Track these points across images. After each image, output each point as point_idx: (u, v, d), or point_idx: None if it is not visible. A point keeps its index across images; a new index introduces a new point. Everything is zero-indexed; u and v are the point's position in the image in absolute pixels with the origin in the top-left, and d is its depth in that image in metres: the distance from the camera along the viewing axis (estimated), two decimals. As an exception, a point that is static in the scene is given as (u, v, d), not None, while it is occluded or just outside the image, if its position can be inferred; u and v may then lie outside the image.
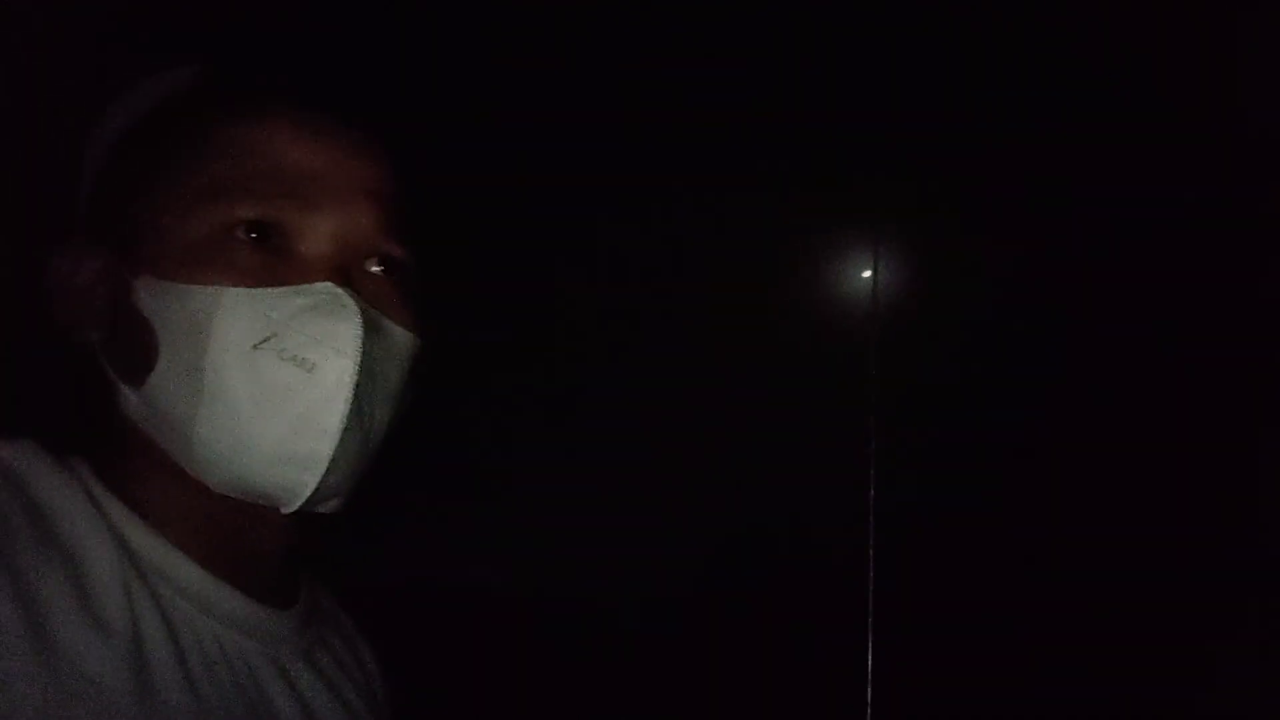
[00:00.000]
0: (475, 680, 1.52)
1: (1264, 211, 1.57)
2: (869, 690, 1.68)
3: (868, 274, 1.83)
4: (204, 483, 0.60)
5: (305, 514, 0.61)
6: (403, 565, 1.55)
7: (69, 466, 0.59)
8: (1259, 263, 1.59)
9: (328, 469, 0.58)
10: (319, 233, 0.60)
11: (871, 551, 1.72)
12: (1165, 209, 1.63)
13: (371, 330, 0.59)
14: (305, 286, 0.59)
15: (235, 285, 0.58)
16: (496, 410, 1.71)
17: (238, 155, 0.60)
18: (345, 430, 0.57)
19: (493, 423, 1.71)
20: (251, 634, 0.61)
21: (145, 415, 0.60)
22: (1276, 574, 1.54)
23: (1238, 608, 1.57)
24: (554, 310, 1.72)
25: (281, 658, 0.63)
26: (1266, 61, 1.43)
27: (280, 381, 0.57)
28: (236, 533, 0.62)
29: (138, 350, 0.60)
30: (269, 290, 0.58)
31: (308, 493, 0.58)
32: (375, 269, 0.63)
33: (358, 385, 0.57)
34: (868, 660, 1.70)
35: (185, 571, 0.59)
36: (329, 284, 0.59)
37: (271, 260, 0.59)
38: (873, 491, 1.74)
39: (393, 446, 0.63)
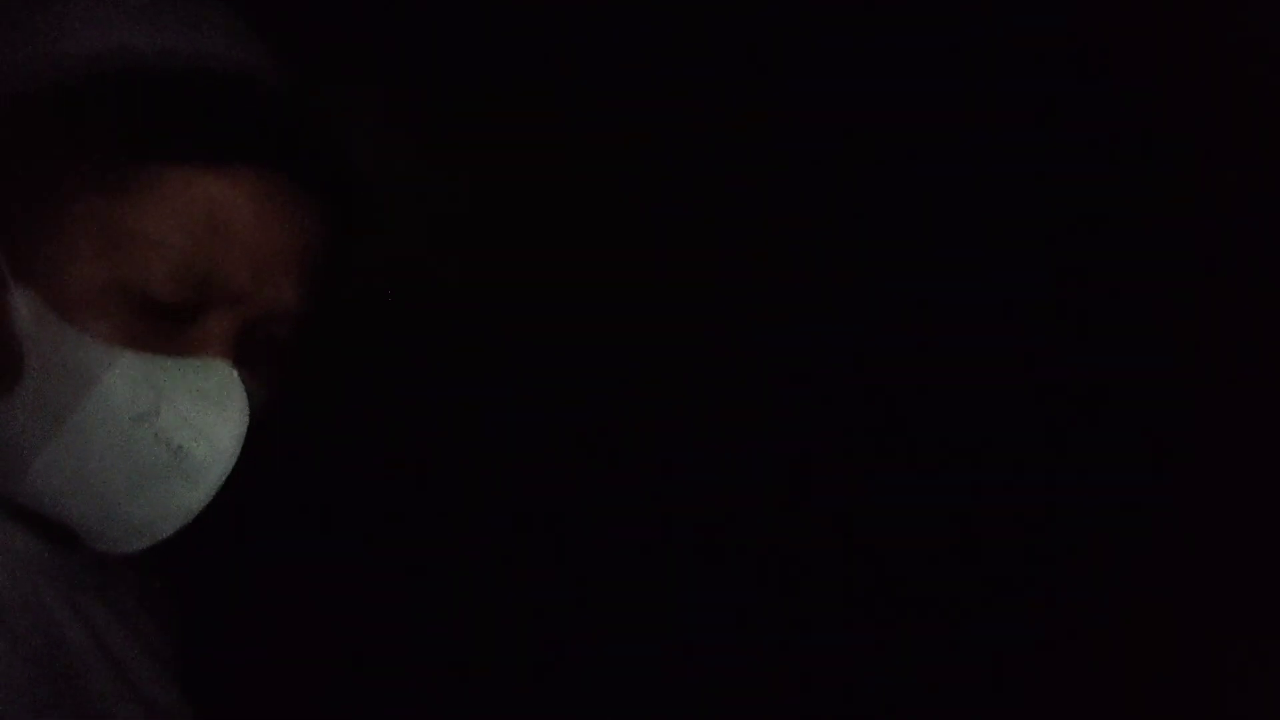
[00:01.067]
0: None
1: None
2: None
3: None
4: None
5: None
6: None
7: None
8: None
9: (163, 539, 0.56)
10: (231, 312, 0.57)
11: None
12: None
13: (252, 424, 0.57)
14: (201, 365, 0.56)
15: (131, 349, 0.54)
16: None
17: (174, 201, 0.54)
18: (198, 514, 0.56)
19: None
20: (45, 573, 0.59)
21: None
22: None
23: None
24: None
25: (75, 595, 0.61)
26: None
27: (148, 461, 0.55)
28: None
29: None
30: (163, 361, 0.55)
31: (128, 551, 0.57)
32: (272, 331, 0.59)
33: (226, 478, 0.56)
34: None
35: None
36: (224, 365, 0.56)
37: (175, 327, 0.56)
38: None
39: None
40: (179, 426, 0.55)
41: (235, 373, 0.56)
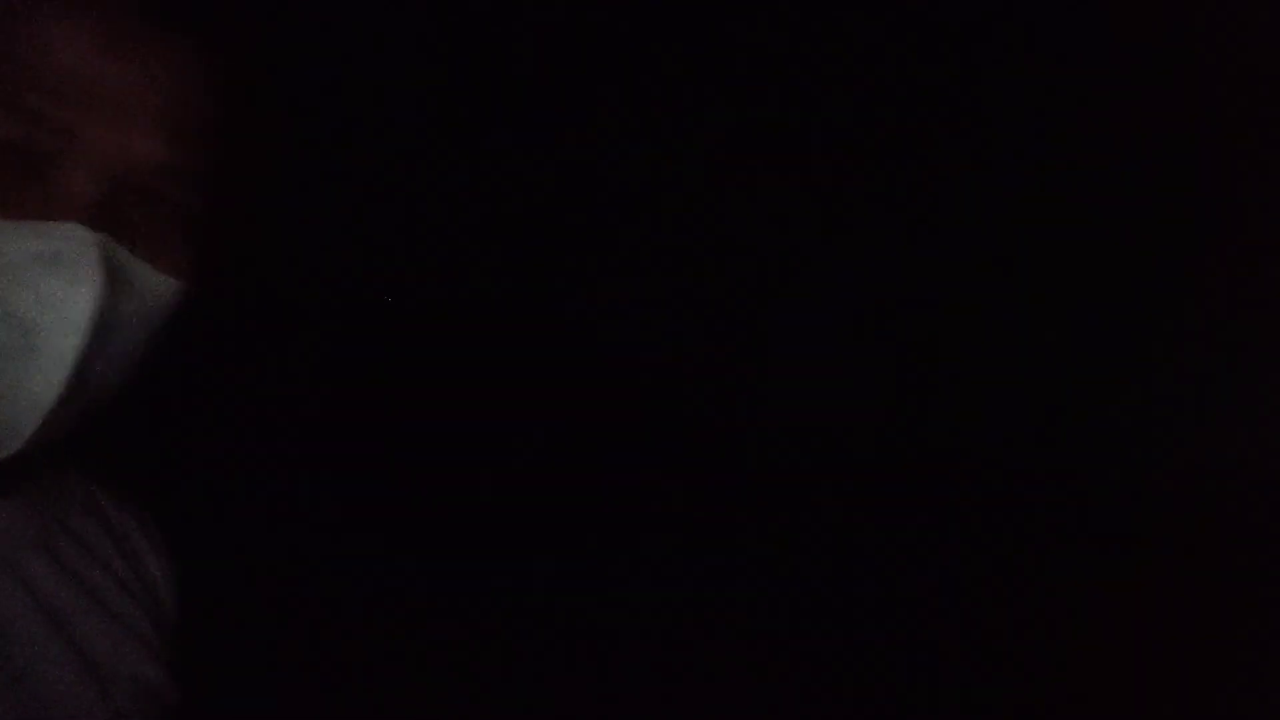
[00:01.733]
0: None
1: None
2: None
3: None
4: None
5: None
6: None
7: None
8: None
9: (30, 440, 0.50)
10: (80, 164, 0.49)
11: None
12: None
13: (121, 288, 0.50)
14: (47, 228, 0.49)
15: None
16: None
17: (17, 44, 0.49)
18: (59, 406, 0.49)
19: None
20: None
21: None
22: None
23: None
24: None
25: (9, 552, 0.55)
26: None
27: None
28: None
29: None
30: (16, 226, 0.48)
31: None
32: (157, 195, 0.52)
33: (83, 360, 0.49)
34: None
35: None
36: (75, 227, 0.49)
37: (20, 180, 0.49)
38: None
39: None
40: (24, 299, 0.48)
41: (94, 235, 0.49)
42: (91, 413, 0.53)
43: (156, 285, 0.52)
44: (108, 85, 0.50)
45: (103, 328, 0.49)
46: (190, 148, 0.52)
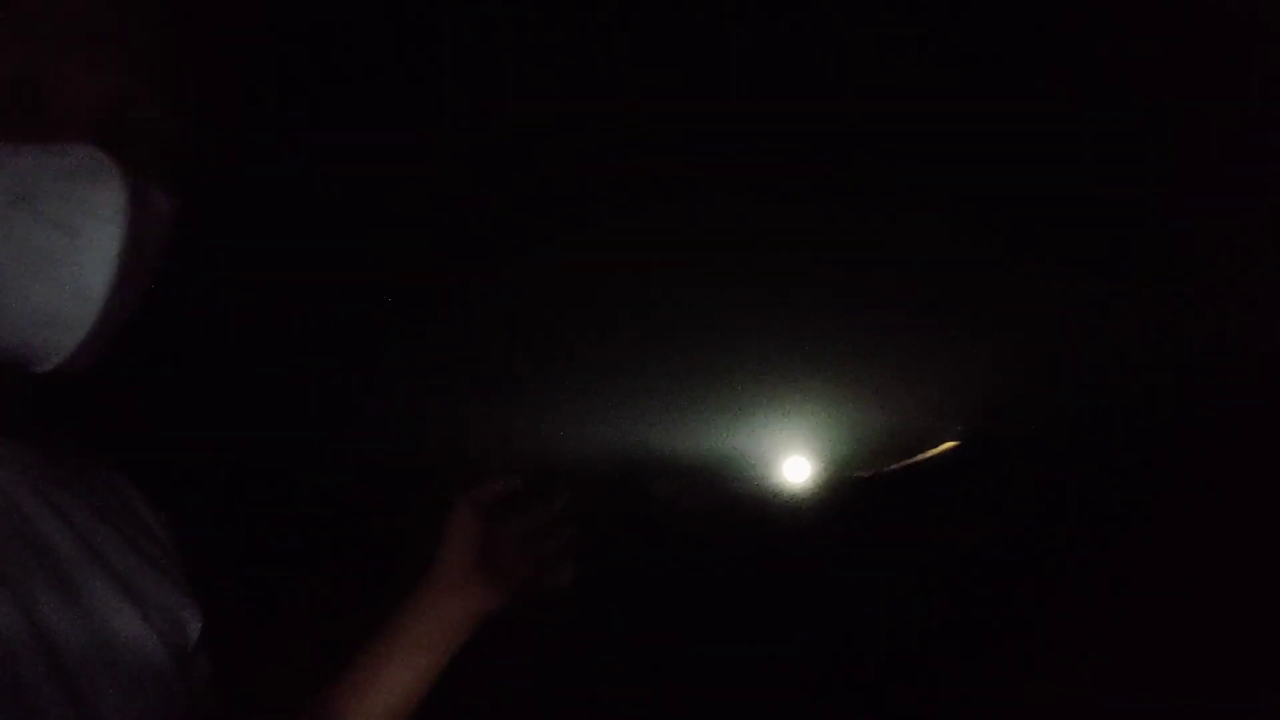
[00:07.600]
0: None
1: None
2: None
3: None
4: None
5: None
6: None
7: None
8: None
9: (89, 334, 0.56)
10: (80, 91, 0.56)
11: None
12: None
13: (137, 197, 0.56)
14: (64, 148, 0.55)
15: None
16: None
17: None
18: (110, 297, 0.56)
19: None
20: (7, 467, 0.59)
21: None
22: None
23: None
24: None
25: (43, 487, 0.61)
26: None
27: (39, 244, 0.54)
28: None
29: None
30: (24, 148, 0.54)
31: (64, 356, 0.56)
32: (147, 127, 0.59)
33: (123, 252, 0.55)
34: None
35: None
36: (90, 147, 0.56)
37: (28, 117, 0.55)
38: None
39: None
40: (58, 206, 0.54)
41: (101, 151, 0.56)
42: (126, 316, 0.59)
43: (160, 198, 0.59)
44: (89, 18, 0.56)
45: (132, 223, 0.56)
46: (168, 74, 0.59)
